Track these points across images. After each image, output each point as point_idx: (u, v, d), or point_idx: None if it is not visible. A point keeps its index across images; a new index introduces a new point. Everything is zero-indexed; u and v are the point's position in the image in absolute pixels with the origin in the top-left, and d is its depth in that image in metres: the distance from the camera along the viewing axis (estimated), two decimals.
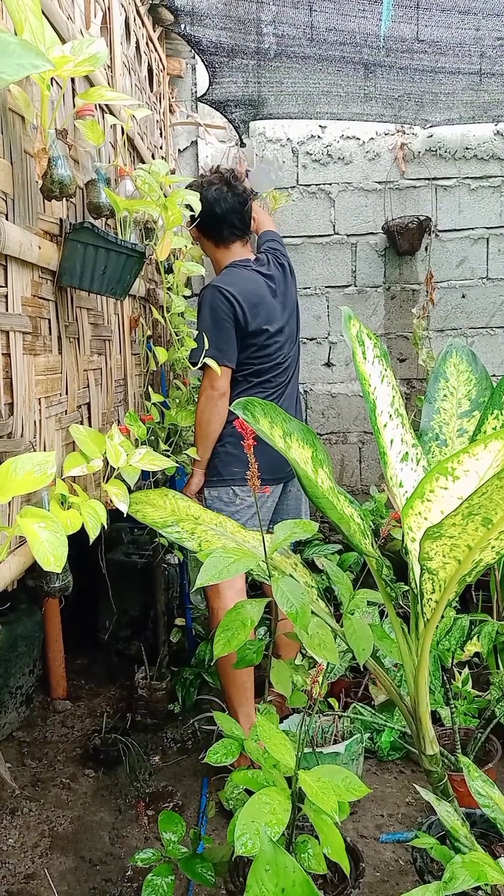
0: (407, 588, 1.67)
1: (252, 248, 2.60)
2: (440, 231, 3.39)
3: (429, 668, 1.73)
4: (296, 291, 2.58)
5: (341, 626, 1.44)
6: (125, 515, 1.48)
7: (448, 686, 2.12)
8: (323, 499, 1.20)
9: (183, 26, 2.65)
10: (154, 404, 2.29)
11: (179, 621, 2.81)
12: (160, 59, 2.91)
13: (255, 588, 2.68)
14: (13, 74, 0.69)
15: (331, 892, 1.51)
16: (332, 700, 2.11)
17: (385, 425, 1.34)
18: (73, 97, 1.45)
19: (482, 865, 1.13)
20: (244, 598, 2.15)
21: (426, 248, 3.39)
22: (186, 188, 2.31)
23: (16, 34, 1.07)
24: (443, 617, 2.19)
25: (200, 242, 2.47)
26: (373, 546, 1.33)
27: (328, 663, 1.61)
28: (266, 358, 2.34)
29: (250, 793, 1.26)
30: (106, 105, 1.70)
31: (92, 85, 1.56)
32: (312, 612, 1.36)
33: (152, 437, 2.30)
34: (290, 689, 1.49)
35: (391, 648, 1.44)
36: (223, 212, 2.36)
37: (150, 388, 2.31)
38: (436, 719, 2.17)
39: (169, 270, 2.22)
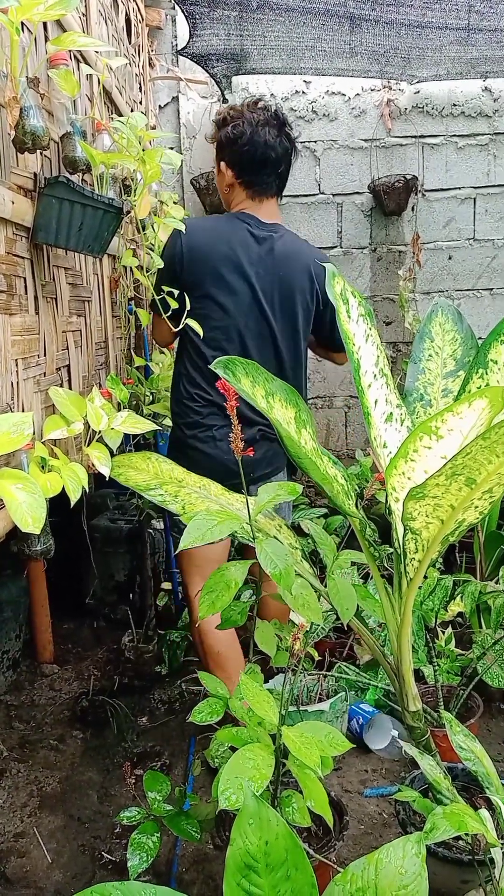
0: (391, 550, 1.67)
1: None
2: (427, 190, 3.35)
3: (412, 627, 1.74)
4: (305, 292, 2.03)
5: (325, 587, 1.45)
6: (108, 479, 1.46)
7: (431, 645, 2.15)
8: (306, 459, 1.19)
9: None
10: (136, 368, 2.26)
11: (166, 585, 2.83)
12: (138, 9, 2.81)
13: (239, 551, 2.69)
14: None
15: (315, 844, 1.54)
16: (311, 650, 2.09)
17: (369, 385, 1.33)
18: (46, 44, 1.39)
19: (463, 816, 1.15)
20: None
21: (413, 209, 3.34)
22: (224, 121, 1.99)
23: None
24: (426, 577, 2.21)
25: (230, 191, 2.05)
26: (357, 507, 1.32)
27: (312, 623, 1.62)
28: (218, 318, 1.94)
29: (235, 750, 1.27)
30: (81, 54, 1.64)
31: (65, 31, 1.50)
32: (297, 574, 1.36)
33: (134, 402, 2.27)
34: (275, 649, 1.50)
35: (375, 608, 1.45)
36: (278, 158, 1.96)
37: (132, 352, 2.28)
38: (419, 677, 2.21)
39: (152, 228, 2.17)
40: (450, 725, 1.36)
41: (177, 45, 3.21)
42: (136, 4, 2.75)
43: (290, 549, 1.43)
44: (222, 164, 2.02)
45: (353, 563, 1.67)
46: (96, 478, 1.46)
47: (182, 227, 1.79)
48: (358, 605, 1.43)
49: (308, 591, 1.37)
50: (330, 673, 2.19)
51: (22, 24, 1.19)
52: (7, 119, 1.17)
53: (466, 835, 1.37)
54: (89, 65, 1.66)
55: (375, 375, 1.34)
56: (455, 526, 1.15)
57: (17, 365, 1.29)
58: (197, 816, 1.53)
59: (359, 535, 1.36)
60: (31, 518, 0.93)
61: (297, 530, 2.75)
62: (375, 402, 1.33)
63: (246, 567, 1.35)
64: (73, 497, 1.26)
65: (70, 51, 1.47)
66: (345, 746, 1.30)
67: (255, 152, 1.94)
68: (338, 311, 1.33)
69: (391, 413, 1.35)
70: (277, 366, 2.02)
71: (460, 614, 2.35)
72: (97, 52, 1.69)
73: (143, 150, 1.63)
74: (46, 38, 1.42)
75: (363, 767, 2.11)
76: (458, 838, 1.44)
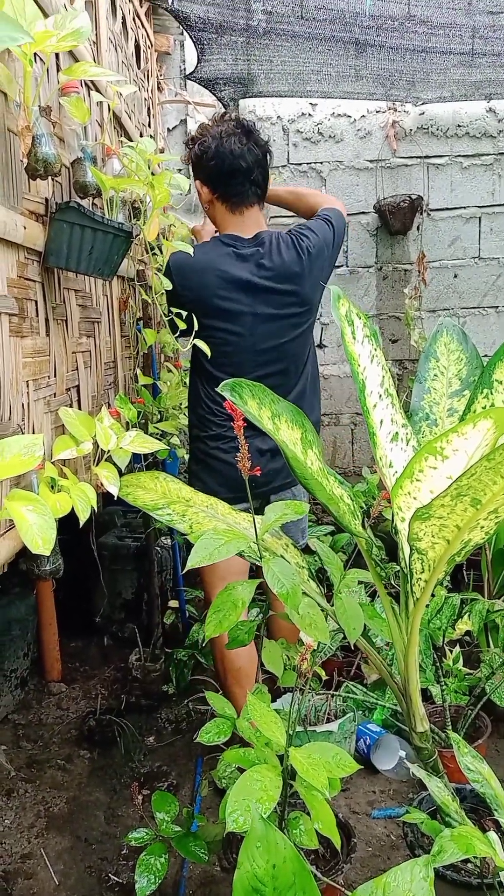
0: (398, 568, 1.67)
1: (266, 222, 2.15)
2: (432, 210, 3.38)
3: (419, 646, 1.74)
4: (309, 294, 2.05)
5: (332, 606, 1.45)
6: (116, 499, 1.48)
7: (439, 664, 2.14)
8: (312, 480, 1.20)
9: (171, 1, 2.61)
10: (144, 387, 2.28)
11: (173, 603, 2.83)
12: (147, 36, 2.87)
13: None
14: None
15: (323, 867, 1.53)
16: (319, 670, 2.09)
17: (375, 405, 1.34)
18: (58, 73, 1.42)
19: (471, 839, 1.14)
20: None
21: (418, 228, 3.37)
22: (193, 140, 2.03)
23: None
24: (433, 596, 2.21)
25: (210, 207, 2.07)
26: (363, 526, 1.33)
27: (319, 643, 1.62)
28: (226, 342, 1.97)
29: (243, 771, 1.27)
30: (91, 82, 1.68)
31: (76, 61, 1.54)
32: (304, 593, 1.36)
33: (143, 421, 2.29)
34: (282, 669, 1.50)
35: (381, 627, 1.45)
36: (249, 166, 1.95)
37: (140, 371, 2.29)
38: (427, 697, 2.19)
39: (159, 250, 2.20)
40: (457, 747, 1.35)
41: (185, 69, 3.26)
42: (146, 31, 2.81)
43: (296, 569, 1.43)
44: (198, 182, 2.05)
45: (360, 582, 1.68)
46: (104, 495, 1.48)
47: (188, 248, 1.81)
48: (365, 625, 1.43)
49: (315, 610, 1.37)
50: (337, 693, 2.18)
51: (35, 54, 1.23)
52: (20, 147, 1.20)
53: (475, 858, 1.36)
54: (100, 92, 1.70)
55: (381, 395, 1.35)
56: (461, 546, 1.15)
57: (28, 386, 1.31)
58: (205, 838, 1.52)
59: (365, 555, 1.37)
60: (42, 539, 0.94)
61: (306, 550, 2.75)
62: (381, 421, 1.34)
63: (253, 586, 1.35)
64: (83, 517, 1.27)
65: (81, 79, 1.50)
66: (352, 768, 1.30)
67: (224, 164, 1.95)
68: (343, 333, 1.34)
69: (397, 433, 1.36)
70: (288, 376, 2.05)
71: (468, 633, 2.34)
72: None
73: (153, 173, 1.66)
74: (58, 67, 1.45)
75: (371, 788, 2.10)
76: (466, 861, 1.43)
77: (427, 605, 1.71)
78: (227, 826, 1.12)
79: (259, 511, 1.33)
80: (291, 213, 2.48)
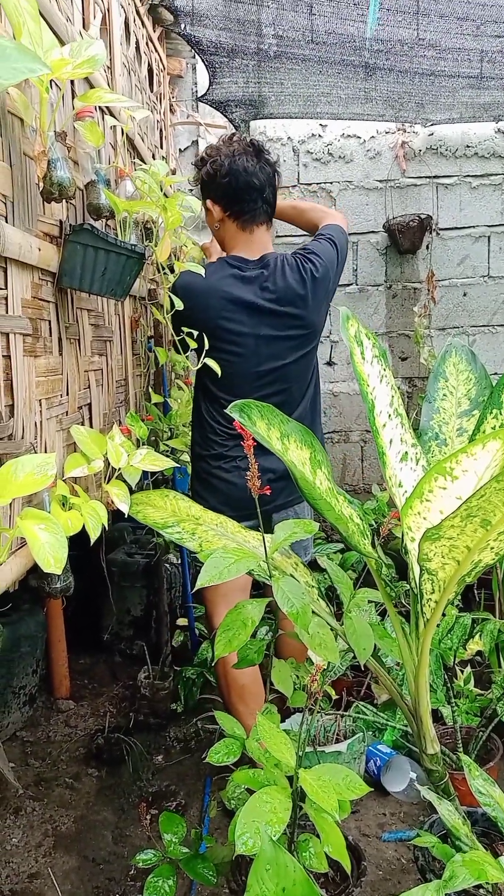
0: (409, 587, 1.67)
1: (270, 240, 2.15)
2: (441, 229, 3.40)
3: (430, 666, 1.73)
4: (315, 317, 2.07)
5: (342, 625, 1.45)
6: (126, 516, 1.49)
7: (450, 685, 2.12)
8: (321, 500, 1.21)
9: (183, 26, 2.66)
10: (155, 405, 2.30)
11: (182, 621, 2.82)
12: (160, 59, 2.92)
13: (257, 588, 2.68)
14: (10, 78, 0.69)
15: (332, 890, 1.52)
16: (328, 689, 2.09)
17: (384, 425, 1.34)
18: (73, 99, 1.45)
19: (482, 864, 1.13)
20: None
21: (427, 247, 3.39)
22: (203, 161, 2.06)
23: (14, 38, 1.08)
24: (444, 615, 2.20)
25: (220, 227, 2.08)
26: (373, 546, 1.33)
27: (329, 662, 1.62)
28: (228, 362, 1.98)
29: (252, 792, 1.26)
30: (105, 106, 1.71)
31: (91, 86, 1.57)
32: (313, 612, 1.36)
33: (153, 438, 2.31)
34: (291, 689, 1.50)
35: (392, 647, 1.44)
36: (261, 184, 1.98)
37: (150, 389, 2.31)
38: (437, 718, 2.17)
39: (170, 270, 2.23)
40: (468, 770, 1.34)
41: (197, 91, 3.31)
42: (159, 55, 2.86)
43: (306, 588, 1.43)
44: (209, 202, 2.06)
45: (369, 601, 1.67)
46: (114, 512, 1.49)
47: (199, 269, 1.84)
48: (375, 644, 1.43)
49: (325, 630, 1.37)
50: (347, 713, 2.17)
51: (51, 81, 1.25)
52: (35, 171, 1.22)
53: (487, 883, 1.34)
54: (113, 116, 1.73)
55: (390, 415, 1.36)
56: (471, 567, 1.15)
57: (40, 405, 1.32)
58: (213, 860, 1.51)
59: (375, 575, 1.36)
60: (53, 558, 0.94)
61: (313, 565, 2.74)
62: (390, 441, 1.34)
63: (262, 605, 1.35)
64: (93, 535, 1.28)
65: (96, 105, 1.53)
66: (362, 790, 1.29)
67: (238, 181, 1.98)
68: (352, 353, 1.35)
69: (406, 452, 1.37)
70: (290, 397, 2.06)
71: (479, 653, 2.32)
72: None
73: (165, 193, 1.68)
74: (73, 93, 1.48)
75: (381, 810, 2.07)
76: (478, 887, 1.41)
77: (438, 625, 1.70)
78: (237, 848, 1.11)
79: (262, 529, 1.34)
80: (299, 232, 2.49)
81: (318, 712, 2.00)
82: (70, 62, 1.17)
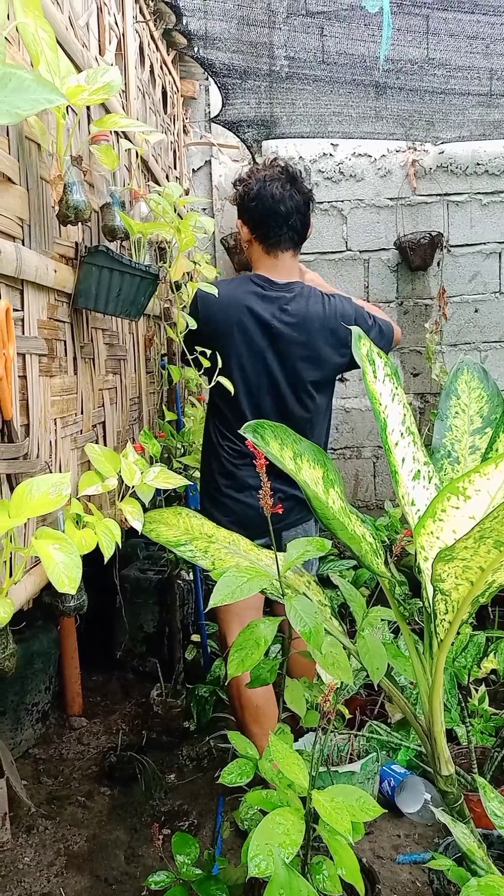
0: (422, 604, 1.66)
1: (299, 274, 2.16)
2: (452, 246, 3.41)
3: (444, 686, 1.72)
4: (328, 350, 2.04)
5: (355, 643, 1.44)
6: (140, 534, 1.49)
7: (464, 704, 2.10)
8: (334, 520, 1.21)
9: (196, 49, 2.70)
10: (168, 422, 2.31)
11: (195, 638, 2.82)
12: (174, 82, 2.96)
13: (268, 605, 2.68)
14: (29, 109, 0.71)
15: None
16: (342, 707, 2.08)
17: (396, 444, 1.34)
18: (89, 123, 1.48)
19: (499, 889, 1.12)
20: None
21: (438, 264, 3.40)
22: (240, 181, 2.11)
23: (32, 66, 1.10)
24: (458, 633, 2.18)
25: (249, 247, 2.13)
26: (386, 565, 1.33)
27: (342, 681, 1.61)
28: (238, 380, 1.99)
29: (265, 813, 1.25)
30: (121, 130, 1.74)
31: (107, 110, 1.60)
32: (326, 631, 1.36)
33: (166, 455, 2.32)
34: (305, 709, 1.49)
35: (405, 667, 1.43)
36: (287, 211, 2.01)
37: (164, 406, 2.33)
38: (452, 737, 2.15)
39: (181, 287, 2.25)
40: (484, 792, 1.32)
41: (210, 112, 3.36)
42: (172, 77, 2.90)
43: (319, 606, 1.43)
44: (239, 221, 2.12)
45: (382, 618, 1.66)
46: (126, 529, 1.49)
47: (211, 289, 1.86)
48: (388, 664, 1.42)
49: (338, 649, 1.37)
50: (361, 733, 2.15)
51: (67, 107, 1.28)
52: (51, 195, 1.24)
53: None
54: (128, 139, 1.76)
55: (402, 434, 1.36)
56: (485, 587, 1.15)
57: (55, 424, 1.34)
58: (226, 881, 1.49)
59: (388, 595, 1.36)
60: (68, 578, 0.95)
61: (326, 581, 2.73)
62: (403, 460, 1.35)
63: (275, 624, 1.35)
64: (107, 554, 1.29)
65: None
66: (376, 812, 1.28)
67: (264, 206, 2.02)
68: (364, 373, 1.36)
69: (419, 471, 1.37)
70: (295, 422, 2.01)
71: (494, 671, 2.30)
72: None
73: (179, 214, 1.71)
74: (89, 118, 1.51)
75: (395, 832, 2.05)
76: None
77: (451, 644, 1.69)
78: (250, 871, 1.11)
79: (271, 547, 1.34)
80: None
81: (331, 731, 1.99)
82: (86, 89, 1.19)
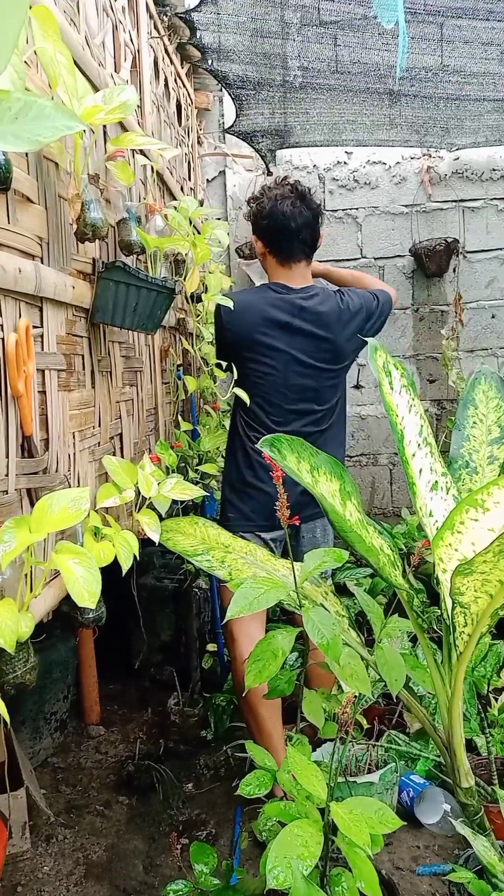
0: (440, 612, 1.65)
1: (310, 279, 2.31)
2: (468, 252, 3.39)
3: (463, 696, 1.70)
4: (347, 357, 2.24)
5: (373, 654, 1.44)
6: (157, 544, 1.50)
7: (484, 714, 2.09)
8: (351, 533, 1.21)
9: (210, 62, 2.72)
10: (184, 432, 2.33)
11: (211, 646, 2.82)
12: (188, 94, 2.98)
13: (286, 612, 2.68)
14: (49, 136, 0.72)
15: None
16: (359, 717, 2.08)
17: (413, 455, 1.34)
18: (105, 141, 1.50)
19: None
20: (259, 634, 2.13)
21: (454, 270, 3.39)
22: (253, 199, 2.26)
23: (51, 87, 1.12)
24: (478, 643, 2.16)
25: (264, 259, 2.28)
26: (403, 576, 1.33)
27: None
28: (262, 375, 2.14)
29: (283, 824, 1.25)
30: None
31: (123, 128, 1.62)
32: (344, 643, 1.36)
33: (182, 464, 2.33)
34: (323, 720, 1.49)
35: (424, 678, 1.43)
36: (298, 227, 2.16)
37: (179, 417, 2.34)
38: (471, 748, 2.14)
39: (198, 300, 2.27)
40: None
41: (224, 123, 3.38)
42: (187, 90, 2.93)
43: (336, 618, 1.43)
44: (254, 237, 2.27)
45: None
46: (143, 538, 1.51)
47: (227, 302, 1.97)
48: (407, 674, 1.42)
49: (356, 660, 1.37)
50: (379, 743, 2.14)
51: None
52: (69, 213, 1.26)
53: None
54: (144, 155, 1.78)
55: (419, 445, 1.36)
56: None
57: (74, 437, 1.35)
58: (244, 892, 1.50)
59: (406, 606, 1.36)
60: (88, 593, 0.96)
61: (343, 589, 2.73)
62: (420, 471, 1.35)
63: (293, 636, 1.35)
64: (125, 566, 1.30)
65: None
66: (395, 824, 1.28)
67: (276, 223, 2.16)
68: (381, 384, 1.36)
69: (436, 482, 1.36)
70: (319, 413, 2.20)
71: None
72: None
73: (195, 226, 1.72)
74: (106, 135, 1.53)
75: (415, 843, 2.04)
76: None
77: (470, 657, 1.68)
78: (268, 883, 1.11)
79: (290, 537, 1.35)
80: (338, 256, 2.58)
81: (349, 741, 1.98)
82: (103, 109, 1.21)
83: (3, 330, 1.04)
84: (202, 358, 2.41)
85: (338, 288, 2.35)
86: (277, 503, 1.23)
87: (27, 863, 2.00)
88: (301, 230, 2.16)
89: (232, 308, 2.07)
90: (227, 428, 2.39)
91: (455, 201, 3.38)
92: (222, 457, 2.57)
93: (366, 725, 2.12)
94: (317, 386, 2.18)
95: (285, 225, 2.15)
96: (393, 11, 2.32)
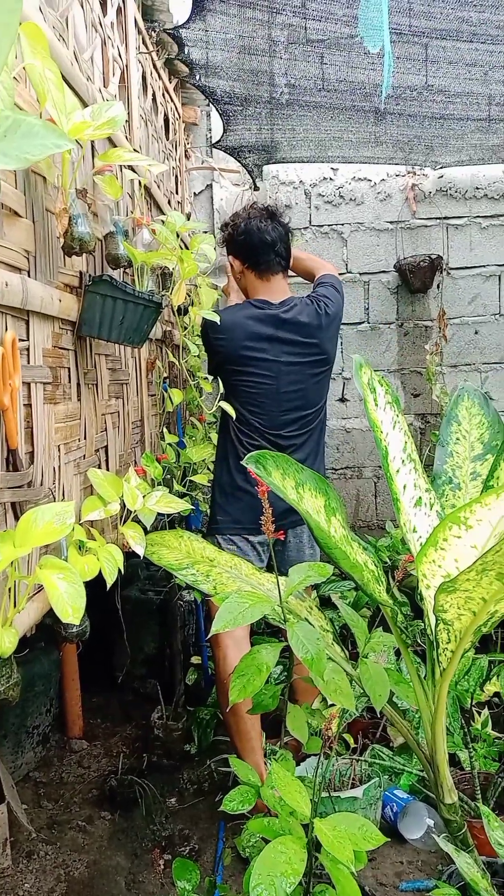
0: (423, 626, 1.65)
1: (291, 289, 2.47)
2: (452, 269, 3.43)
3: (447, 712, 1.71)
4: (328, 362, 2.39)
5: (357, 668, 1.44)
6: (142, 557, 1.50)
7: (467, 728, 2.09)
8: (336, 549, 1.21)
9: (198, 77, 2.74)
10: (170, 444, 2.33)
11: (195, 660, 2.81)
12: (176, 109, 3.00)
13: (270, 626, 2.67)
14: (38, 154, 0.73)
15: None
16: (346, 736, 2.09)
17: (398, 471, 1.35)
18: (93, 156, 1.50)
19: None
20: (245, 646, 2.14)
21: (438, 286, 3.43)
22: (226, 224, 2.41)
23: (39, 103, 1.13)
24: (461, 658, 2.17)
25: (242, 278, 2.40)
26: (388, 592, 1.33)
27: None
28: (255, 384, 2.26)
29: (267, 840, 1.25)
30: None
31: (112, 143, 1.63)
32: (328, 658, 1.36)
33: (168, 476, 2.33)
34: (307, 735, 1.49)
35: (408, 694, 1.43)
36: (273, 240, 2.32)
37: (165, 429, 2.34)
38: (455, 762, 2.14)
39: (185, 312, 2.28)
40: (487, 820, 1.32)
41: (211, 138, 3.40)
42: (174, 104, 2.95)
43: (321, 632, 1.43)
44: (231, 257, 2.41)
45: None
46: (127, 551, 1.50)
47: (214, 317, 2.03)
48: (391, 690, 1.42)
49: (340, 675, 1.37)
50: (363, 758, 2.14)
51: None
52: (56, 227, 1.27)
53: None
54: (132, 169, 1.78)
55: (403, 461, 1.37)
56: (487, 617, 1.15)
57: (59, 450, 1.35)
58: None
59: (390, 622, 1.36)
60: (72, 608, 0.96)
61: (327, 602, 2.73)
62: (404, 487, 1.35)
63: (277, 651, 1.35)
64: (110, 580, 1.29)
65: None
66: (379, 840, 1.27)
67: (253, 238, 2.31)
68: (365, 401, 1.37)
69: (420, 498, 1.37)
70: (309, 416, 2.33)
71: (497, 695, 2.30)
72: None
73: (182, 241, 1.73)
74: (94, 150, 1.53)
75: (398, 859, 2.03)
76: None
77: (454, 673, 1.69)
78: None
79: (276, 542, 1.36)
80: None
81: (333, 756, 1.98)
82: (91, 125, 1.22)
83: None
84: (188, 370, 2.41)
85: (309, 294, 2.46)
86: (271, 506, 1.25)
87: (7, 880, 1.97)
88: (276, 242, 2.31)
89: (217, 325, 2.15)
90: (213, 441, 2.41)
91: (439, 219, 3.42)
92: (208, 469, 2.57)
93: (352, 745, 2.13)
94: (306, 388, 2.31)
95: (261, 238, 2.30)
96: (379, 32, 2.36)
